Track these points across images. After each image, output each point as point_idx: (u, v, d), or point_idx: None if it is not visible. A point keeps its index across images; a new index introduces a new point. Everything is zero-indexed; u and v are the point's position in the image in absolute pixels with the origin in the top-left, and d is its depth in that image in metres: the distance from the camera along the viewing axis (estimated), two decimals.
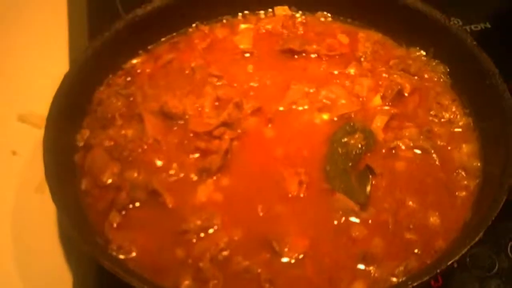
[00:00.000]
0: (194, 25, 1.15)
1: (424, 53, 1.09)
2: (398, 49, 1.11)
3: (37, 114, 1.15)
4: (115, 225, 0.86)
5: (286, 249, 0.82)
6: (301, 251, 0.82)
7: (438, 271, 0.72)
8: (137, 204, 0.88)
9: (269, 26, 1.15)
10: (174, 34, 1.14)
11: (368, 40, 1.11)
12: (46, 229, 0.97)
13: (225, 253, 0.82)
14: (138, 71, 1.08)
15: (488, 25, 1.27)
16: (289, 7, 1.17)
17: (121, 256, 0.82)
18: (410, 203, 0.87)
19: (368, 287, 0.78)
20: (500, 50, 1.20)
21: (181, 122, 0.98)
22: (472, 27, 1.27)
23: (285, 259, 0.81)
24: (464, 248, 0.74)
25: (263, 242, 0.83)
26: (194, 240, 0.84)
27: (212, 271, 0.80)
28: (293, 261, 0.81)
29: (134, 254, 0.83)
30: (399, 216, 0.86)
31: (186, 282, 0.79)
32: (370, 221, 0.85)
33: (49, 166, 0.87)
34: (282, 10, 1.17)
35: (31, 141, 1.10)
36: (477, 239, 0.75)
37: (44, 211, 0.97)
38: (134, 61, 1.10)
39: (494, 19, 1.28)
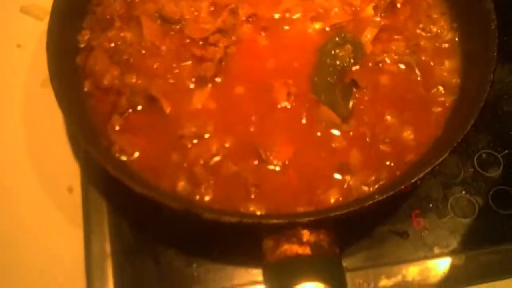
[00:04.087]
0: None
1: None
2: None
3: (38, 5, 1.18)
4: (117, 128, 0.93)
5: (271, 157, 0.90)
6: (285, 159, 0.90)
7: (403, 187, 0.81)
8: (138, 107, 0.95)
9: None
10: None
11: None
12: (54, 122, 1.04)
13: (216, 158, 0.91)
14: None
15: None
16: None
17: (124, 158, 0.91)
18: (389, 117, 0.94)
19: (341, 194, 0.88)
20: None
21: (178, 26, 1.02)
22: None
23: (271, 166, 0.90)
24: (429, 167, 0.82)
25: (252, 149, 0.91)
26: (189, 146, 0.91)
27: (205, 175, 0.89)
28: (277, 168, 0.90)
29: (135, 156, 0.91)
30: (376, 129, 0.93)
31: (181, 184, 0.89)
32: (350, 133, 0.93)
33: (53, 69, 0.92)
34: None
35: (34, 33, 1.14)
36: (442, 159, 0.83)
37: (51, 105, 1.04)
38: None
39: None
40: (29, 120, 1.06)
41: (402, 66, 0.99)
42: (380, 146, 0.92)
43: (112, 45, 1.00)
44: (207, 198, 0.88)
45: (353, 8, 1.04)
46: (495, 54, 0.91)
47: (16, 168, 1.02)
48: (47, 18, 1.13)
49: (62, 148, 1.03)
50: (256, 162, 0.91)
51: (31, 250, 0.95)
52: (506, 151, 1.00)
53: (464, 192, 0.97)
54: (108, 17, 1.03)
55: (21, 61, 1.12)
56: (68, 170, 1.01)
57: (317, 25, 1.03)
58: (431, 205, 0.96)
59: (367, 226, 0.93)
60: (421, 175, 0.82)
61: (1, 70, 1.12)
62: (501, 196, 0.96)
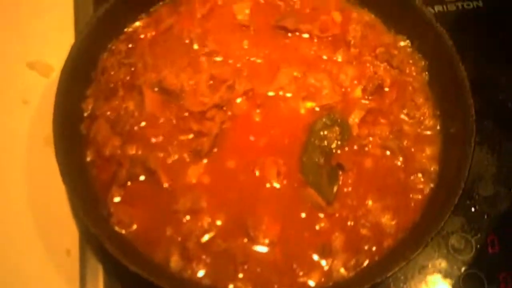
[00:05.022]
0: None
1: (409, 43, 1.15)
2: (387, 35, 1.16)
3: (43, 62, 1.23)
4: (116, 199, 1.00)
5: (259, 236, 0.97)
6: (272, 237, 0.97)
7: (379, 280, 0.88)
8: (137, 179, 1.01)
9: None
10: None
11: (359, 22, 1.17)
12: (55, 182, 1.07)
13: (208, 235, 0.97)
14: (141, 36, 1.14)
15: (480, 4, 1.31)
16: None
17: (121, 231, 0.97)
18: (370, 202, 1.00)
19: (322, 277, 0.94)
20: (487, 31, 1.28)
21: (177, 98, 1.07)
22: (465, 4, 1.31)
23: (258, 245, 0.97)
24: (403, 262, 0.89)
25: (241, 227, 0.97)
26: (183, 221, 0.98)
27: (197, 251, 0.95)
28: (264, 247, 0.96)
29: (132, 228, 0.98)
30: (358, 213, 1.00)
31: (174, 258, 0.95)
32: (333, 216, 0.99)
33: (58, 141, 0.97)
34: None
35: (39, 89, 1.20)
36: (416, 254, 0.90)
37: (53, 164, 1.08)
38: (137, 23, 1.16)
39: None
40: (31, 179, 1.11)
41: (385, 151, 1.05)
42: (361, 230, 0.99)
43: (115, 115, 1.05)
44: (198, 274, 0.95)
45: (343, 89, 1.10)
46: (472, 149, 0.98)
47: (17, 227, 1.06)
48: (52, 75, 1.21)
49: (63, 209, 1.08)
50: (245, 240, 0.97)
51: None
52: (479, 235, 1.07)
53: (437, 274, 1.04)
54: (112, 85, 1.09)
55: (26, 117, 1.17)
56: (67, 232, 1.06)
57: (308, 104, 1.09)
58: (405, 286, 1.03)
59: None
60: (396, 269, 0.89)
61: (6, 126, 1.16)
62: (472, 279, 1.04)
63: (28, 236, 1.06)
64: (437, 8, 1.31)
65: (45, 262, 1.04)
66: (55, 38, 1.22)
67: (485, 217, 1.09)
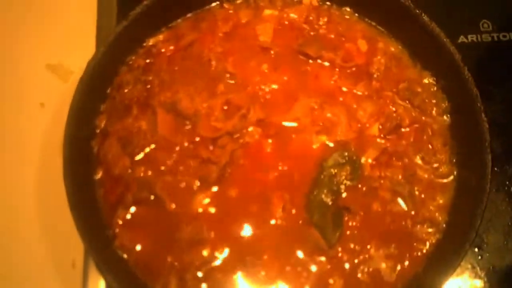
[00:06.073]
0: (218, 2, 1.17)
1: (434, 81, 1.11)
2: (412, 69, 1.12)
3: (63, 66, 1.23)
4: (121, 222, 1.01)
5: (259, 272, 0.97)
6: (271, 277, 0.97)
7: None
8: (145, 203, 1.01)
9: (293, 15, 1.16)
10: (199, 10, 1.17)
11: (385, 53, 1.13)
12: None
13: (207, 267, 0.98)
14: (162, 50, 1.13)
15: None
16: None
17: (123, 255, 0.99)
18: (373, 247, 0.99)
19: None
20: None
21: (191, 123, 1.06)
22: (501, 35, 1.25)
23: (257, 283, 0.97)
24: None
25: (241, 261, 0.98)
26: (185, 250, 0.98)
27: (195, 282, 0.96)
28: (262, 284, 0.97)
29: (134, 253, 0.99)
30: (359, 258, 0.99)
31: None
32: (334, 259, 0.98)
33: (67, 159, 0.99)
34: None
35: (58, 93, 1.20)
36: None
37: None
38: (157, 37, 1.14)
39: None
40: (42, 186, 1.13)
41: (395, 195, 1.03)
42: (360, 276, 0.98)
43: (126, 134, 1.05)
44: None
45: (359, 125, 1.07)
46: (483, 209, 0.95)
47: (25, 235, 1.09)
48: (71, 79, 1.21)
49: (71, 220, 1.10)
50: (244, 275, 0.97)
51: None
52: (483, 286, 1.06)
53: None
54: (126, 102, 1.08)
55: (42, 121, 1.18)
56: (75, 243, 1.07)
57: (322, 139, 1.06)
58: None
59: None
60: None
61: (21, 129, 1.17)
62: None
63: (35, 245, 1.08)
64: (471, 37, 1.25)
65: (50, 273, 1.07)
66: (76, 41, 1.22)
67: (491, 268, 1.07)
